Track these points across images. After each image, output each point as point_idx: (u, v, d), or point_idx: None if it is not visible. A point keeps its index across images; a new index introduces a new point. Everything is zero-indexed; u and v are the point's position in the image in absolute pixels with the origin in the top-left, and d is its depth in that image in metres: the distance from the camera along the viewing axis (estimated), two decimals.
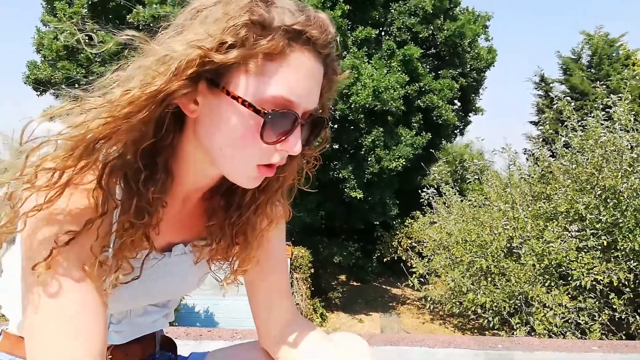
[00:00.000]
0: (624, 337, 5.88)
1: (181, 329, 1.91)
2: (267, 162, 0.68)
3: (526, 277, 6.38)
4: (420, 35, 13.10)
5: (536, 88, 21.11)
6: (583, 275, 5.92)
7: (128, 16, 10.74)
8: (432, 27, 13.35)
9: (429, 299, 8.30)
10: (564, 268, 6.27)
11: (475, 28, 14.59)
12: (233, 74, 0.62)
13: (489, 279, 7.04)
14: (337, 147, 13.08)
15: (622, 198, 6.09)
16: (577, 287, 6.15)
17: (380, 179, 11.81)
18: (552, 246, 6.11)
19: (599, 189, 6.32)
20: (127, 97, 0.60)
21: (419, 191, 10.14)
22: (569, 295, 6.28)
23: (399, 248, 12.53)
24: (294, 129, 0.65)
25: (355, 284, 16.65)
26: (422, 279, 8.49)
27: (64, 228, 0.62)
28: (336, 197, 12.63)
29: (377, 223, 14.38)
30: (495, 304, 6.65)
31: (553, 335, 5.96)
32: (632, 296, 6.02)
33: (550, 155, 7.59)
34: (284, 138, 0.65)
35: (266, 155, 0.67)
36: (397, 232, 14.06)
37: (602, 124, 6.41)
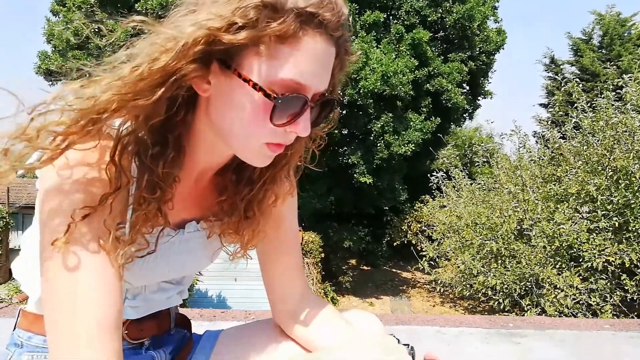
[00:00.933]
0: (635, 318, 5.87)
1: (195, 310, 1.95)
2: (276, 142, 0.69)
3: (537, 259, 6.37)
4: (429, 19, 12.93)
5: (546, 70, 20.82)
6: (594, 256, 5.90)
7: (136, 4, 10.72)
8: (440, 10, 13.17)
9: (439, 282, 8.33)
10: (575, 250, 6.25)
11: (484, 10, 14.36)
12: (244, 56, 0.63)
13: (500, 261, 7.05)
14: (346, 132, 13.05)
15: (634, 179, 6.03)
16: (588, 269, 6.14)
17: (390, 164, 11.78)
18: (562, 228, 6.08)
19: (610, 170, 6.26)
20: (136, 73, 0.61)
21: (428, 175, 10.11)
22: (580, 277, 6.26)
23: (409, 232, 12.56)
24: (303, 111, 0.66)
25: (365, 268, 16.75)
26: (432, 262, 8.51)
27: (80, 204, 0.63)
28: (346, 182, 12.64)
29: (387, 208, 14.39)
30: (505, 286, 6.66)
31: (564, 317, 5.97)
32: None
33: (560, 137, 7.52)
34: (293, 121, 0.66)
35: (275, 135, 0.68)
36: (407, 217, 14.08)
37: (612, 105, 6.32)
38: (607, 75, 7.60)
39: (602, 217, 6.10)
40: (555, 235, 6.30)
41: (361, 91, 10.58)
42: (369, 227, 14.93)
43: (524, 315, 6.32)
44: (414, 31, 12.20)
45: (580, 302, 6.10)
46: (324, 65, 0.67)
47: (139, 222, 0.69)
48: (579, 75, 19.67)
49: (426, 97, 12.67)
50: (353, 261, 16.31)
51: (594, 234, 6.13)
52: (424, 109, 12.55)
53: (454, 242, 8.11)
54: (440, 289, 8.48)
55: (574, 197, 6.63)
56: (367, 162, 11.38)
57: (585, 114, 6.87)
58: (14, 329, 0.88)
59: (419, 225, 11.22)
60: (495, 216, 7.27)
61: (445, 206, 9.42)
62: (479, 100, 16.37)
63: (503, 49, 15.96)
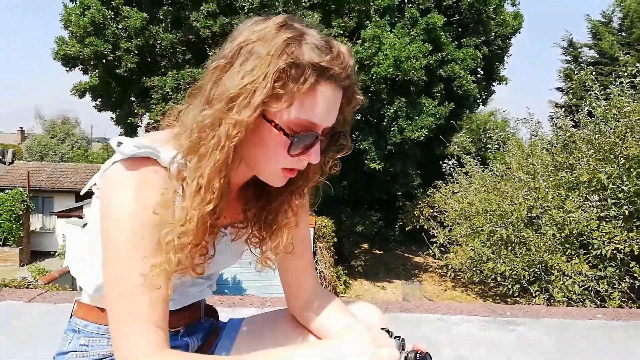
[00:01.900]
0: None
1: (216, 297, 2.12)
2: (291, 167, 0.85)
3: (546, 246, 6.46)
4: (444, 3, 12.83)
5: (564, 53, 20.49)
6: (604, 244, 5.98)
7: None
8: None
9: (450, 267, 8.47)
10: (584, 237, 6.31)
11: None
12: (270, 104, 0.78)
13: (509, 248, 7.15)
14: (359, 117, 13.09)
15: None
16: (597, 256, 6.21)
17: (403, 149, 11.83)
18: (572, 216, 6.14)
19: (622, 159, 6.27)
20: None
21: (440, 162, 10.16)
22: (589, 264, 6.34)
23: (421, 217, 12.65)
24: (314, 144, 0.83)
25: (377, 252, 16.94)
26: (443, 248, 8.64)
27: (153, 211, 0.79)
28: (358, 168, 12.75)
29: (400, 193, 14.47)
30: (515, 272, 6.77)
31: (572, 303, 6.08)
32: None
33: (573, 125, 7.51)
34: (306, 151, 0.82)
35: (290, 163, 0.84)
36: (420, 202, 14.16)
37: (626, 93, 6.31)
38: (624, 60, 7.50)
39: (613, 205, 6.14)
40: (566, 223, 6.37)
41: (374, 77, 10.61)
42: (381, 212, 15.05)
43: (532, 301, 6.45)
44: (428, 15, 12.13)
45: (589, 289, 6.20)
46: (333, 107, 0.83)
47: (204, 232, 0.83)
48: (597, 59, 19.35)
49: (439, 82, 12.64)
50: (365, 245, 16.51)
51: (604, 222, 6.18)
52: (437, 95, 12.53)
53: (465, 228, 8.22)
54: (451, 274, 8.62)
55: (585, 185, 6.67)
56: (378, 148, 11.46)
57: (598, 102, 6.85)
58: (71, 317, 1.05)
59: (431, 211, 11.31)
60: (505, 204, 7.34)
61: (457, 192, 9.51)
62: (493, 85, 16.24)
63: (519, 32, 15.75)
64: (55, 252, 16.71)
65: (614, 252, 5.95)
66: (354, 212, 14.25)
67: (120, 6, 11.85)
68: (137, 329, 0.79)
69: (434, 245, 8.49)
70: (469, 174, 9.63)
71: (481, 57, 13.63)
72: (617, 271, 6.21)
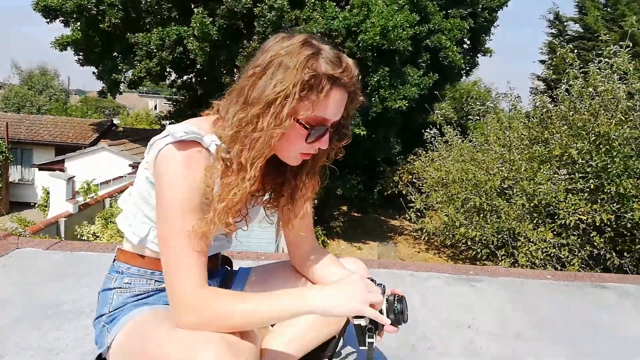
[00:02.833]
0: (599, 271, 6.46)
1: None
2: (306, 152, 1.11)
3: (515, 215, 6.87)
4: None
5: (549, 26, 20.64)
6: (569, 214, 6.39)
7: None
8: None
9: (424, 230, 8.89)
10: (552, 208, 6.72)
11: None
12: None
13: (481, 215, 7.55)
14: None
15: (614, 144, 6.41)
16: (562, 226, 6.64)
17: (385, 117, 12.02)
18: (541, 187, 6.52)
19: (593, 135, 6.62)
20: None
21: (422, 130, 10.42)
22: (554, 233, 6.79)
23: (400, 183, 13.02)
24: (325, 134, 1.09)
25: (356, 214, 17.39)
26: (419, 213, 9.02)
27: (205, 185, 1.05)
28: None
29: (380, 159, 14.75)
30: (484, 237, 7.20)
31: (535, 267, 6.54)
32: (612, 235, 6.53)
33: (552, 101, 7.81)
34: (318, 140, 1.08)
35: (306, 148, 1.10)
36: (400, 168, 14.50)
37: (603, 72, 6.58)
38: (604, 38, 7.74)
39: (580, 179, 6.53)
40: (535, 193, 6.75)
41: (360, 44, 10.65)
42: (362, 176, 15.36)
43: (498, 264, 6.91)
44: None
45: (551, 255, 6.66)
46: (341, 106, 1.10)
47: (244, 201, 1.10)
48: (581, 33, 19.58)
49: (425, 52, 12.72)
50: (344, 208, 16.91)
51: (571, 194, 6.58)
52: (422, 64, 12.63)
53: (440, 195, 8.59)
54: (424, 237, 9.05)
55: (556, 159, 7.04)
56: (362, 115, 11.63)
57: (576, 80, 7.12)
58: (114, 261, 1.29)
59: (411, 177, 11.66)
60: (480, 174, 7.70)
61: (435, 161, 9.83)
62: (478, 57, 16.37)
63: (507, 6, 15.80)
64: (35, 203, 16.69)
65: (578, 222, 6.39)
66: (334, 175, 14.51)
67: None
68: (185, 272, 1.04)
69: (411, 210, 8.87)
70: (448, 143, 9.93)
71: (468, 28, 13.69)
72: (579, 240, 6.67)
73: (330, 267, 1.34)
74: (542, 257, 6.54)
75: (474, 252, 7.62)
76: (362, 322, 1.09)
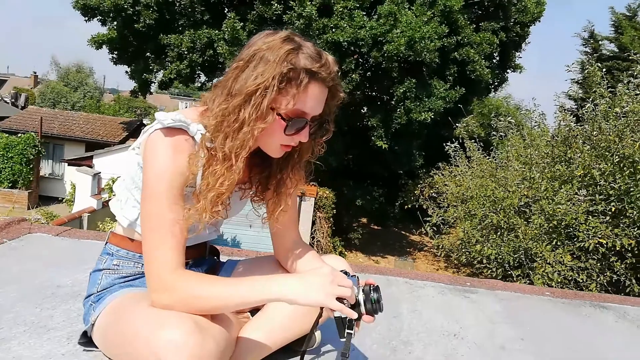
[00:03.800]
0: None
1: (218, 247, 2.43)
2: (286, 144, 1.16)
3: (532, 234, 6.74)
4: None
5: (584, 44, 20.27)
6: (588, 237, 6.24)
7: None
8: None
9: (441, 247, 8.80)
10: (571, 229, 6.57)
11: None
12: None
13: (498, 233, 7.44)
14: (369, 94, 13.21)
15: (638, 167, 6.24)
16: (581, 249, 6.48)
17: (408, 129, 11.97)
18: (560, 207, 6.39)
19: (617, 157, 6.47)
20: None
21: (443, 144, 10.36)
22: (573, 255, 6.63)
23: (421, 197, 12.91)
24: (304, 127, 1.14)
25: (375, 227, 17.31)
26: (435, 228, 8.94)
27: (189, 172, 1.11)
28: (363, 143, 12.94)
29: (402, 172, 14.67)
30: (500, 256, 7.09)
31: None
32: (634, 261, 6.34)
33: (577, 120, 7.67)
34: (298, 132, 1.13)
35: (287, 140, 1.15)
36: (421, 182, 14.38)
37: (627, 93, 6.45)
38: (638, 56, 7.58)
39: (602, 202, 6.38)
40: (555, 213, 6.62)
41: (386, 54, 10.67)
42: (383, 188, 15.30)
43: None
44: None
45: (569, 278, 6.50)
46: (320, 100, 1.14)
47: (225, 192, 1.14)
48: (616, 53, 19.16)
49: (452, 65, 12.65)
50: (364, 220, 16.87)
51: (591, 217, 6.43)
52: (449, 77, 12.56)
53: (459, 211, 8.49)
54: (441, 253, 8.95)
55: (578, 179, 6.89)
56: (385, 126, 11.62)
57: (602, 99, 6.99)
58: (106, 243, 1.36)
59: (432, 191, 11.55)
60: (500, 191, 7.60)
61: (456, 175, 9.74)
62: (507, 73, 16.18)
63: (539, 21, 15.60)
64: (63, 198, 17.17)
65: (597, 245, 6.23)
66: (356, 186, 14.51)
67: None
68: (162, 253, 1.09)
69: (427, 224, 8.79)
70: (470, 159, 9.83)
71: (498, 42, 13.56)
72: (599, 264, 6.50)
73: (311, 262, 1.37)
74: (559, 280, 6.39)
75: (489, 271, 7.50)
76: (342, 315, 1.11)
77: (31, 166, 17.29)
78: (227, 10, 12.91)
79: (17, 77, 45.25)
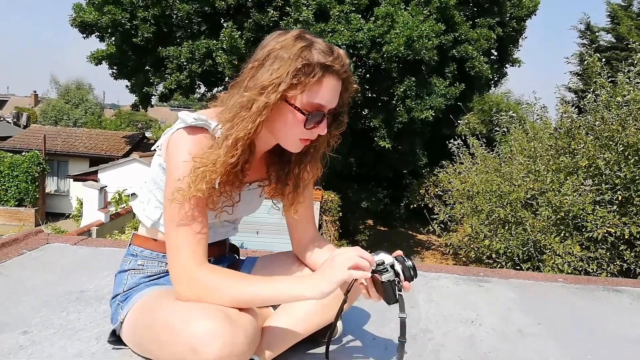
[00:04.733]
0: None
1: None
2: (306, 137, 1.20)
3: (540, 226, 6.75)
4: None
5: (580, 37, 20.30)
6: (597, 227, 6.24)
7: None
8: None
9: (449, 244, 8.80)
10: (579, 220, 6.58)
11: None
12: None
13: (506, 227, 7.44)
14: (369, 95, 13.26)
15: None
16: (590, 239, 6.49)
17: (411, 128, 12.01)
18: (566, 199, 6.40)
19: (621, 146, 6.47)
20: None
21: (446, 142, 10.38)
22: (582, 246, 6.63)
23: (427, 196, 12.90)
24: (322, 120, 1.18)
25: (382, 228, 17.32)
26: (444, 226, 8.95)
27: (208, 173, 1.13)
28: (366, 144, 12.98)
29: (406, 171, 14.69)
30: (509, 250, 7.09)
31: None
32: None
33: (579, 112, 7.68)
34: (316, 126, 1.18)
35: (305, 134, 1.19)
36: (426, 180, 14.39)
37: (628, 81, 6.46)
38: (637, 45, 7.59)
39: (608, 191, 6.38)
40: (562, 205, 6.63)
41: (385, 55, 10.73)
42: (388, 189, 15.32)
43: None
44: None
45: (579, 269, 6.50)
46: (335, 93, 1.18)
47: (229, 183, 1.19)
48: (614, 43, 19.18)
49: (451, 62, 12.71)
50: (370, 221, 16.88)
51: (598, 206, 6.43)
52: (449, 75, 12.61)
53: (465, 207, 8.50)
54: (449, 251, 8.95)
55: (583, 170, 6.90)
56: (388, 126, 11.66)
57: (603, 89, 7.01)
58: (129, 245, 1.40)
59: (437, 190, 11.54)
60: (505, 185, 7.61)
61: (461, 172, 9.75)
62: (506, 68, 16.22)
63: (535, 14, 15.66)
64: (69, 214, 17.27)
65: (606, 235, 6.23)
66: (360, 189, 14.54)
67: None
68: (188, 247, 1.13)
69: (434, 222, 8.80)
70: (474, 155, 9.84)
71: (495, 38, 13.61)
72: (608, 254, 6.49)
73: (326, 256, 1.41)
74: (569, 271, 6.38)
75: (498, 265, 7.49)
76: (389, 277, 1.16)
77: (37, 184, 17.40)
78: (223, 20, 13.01)
79: (18, 97, 45.64)
